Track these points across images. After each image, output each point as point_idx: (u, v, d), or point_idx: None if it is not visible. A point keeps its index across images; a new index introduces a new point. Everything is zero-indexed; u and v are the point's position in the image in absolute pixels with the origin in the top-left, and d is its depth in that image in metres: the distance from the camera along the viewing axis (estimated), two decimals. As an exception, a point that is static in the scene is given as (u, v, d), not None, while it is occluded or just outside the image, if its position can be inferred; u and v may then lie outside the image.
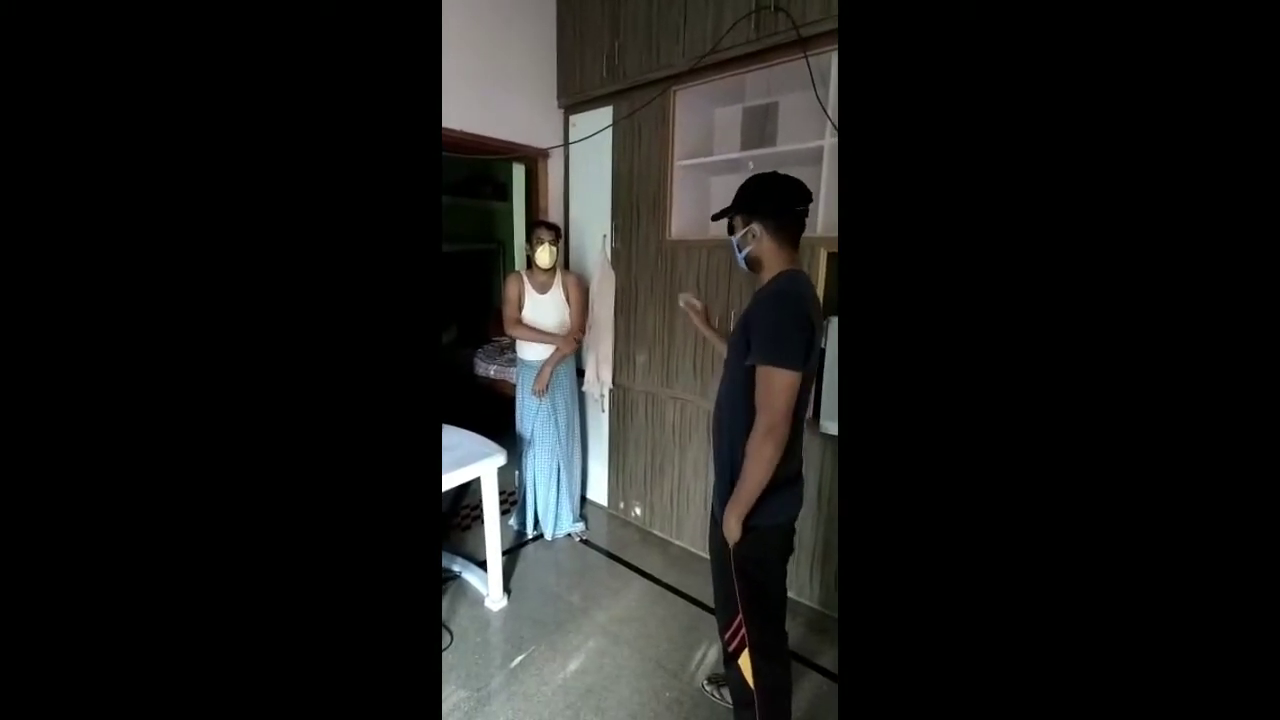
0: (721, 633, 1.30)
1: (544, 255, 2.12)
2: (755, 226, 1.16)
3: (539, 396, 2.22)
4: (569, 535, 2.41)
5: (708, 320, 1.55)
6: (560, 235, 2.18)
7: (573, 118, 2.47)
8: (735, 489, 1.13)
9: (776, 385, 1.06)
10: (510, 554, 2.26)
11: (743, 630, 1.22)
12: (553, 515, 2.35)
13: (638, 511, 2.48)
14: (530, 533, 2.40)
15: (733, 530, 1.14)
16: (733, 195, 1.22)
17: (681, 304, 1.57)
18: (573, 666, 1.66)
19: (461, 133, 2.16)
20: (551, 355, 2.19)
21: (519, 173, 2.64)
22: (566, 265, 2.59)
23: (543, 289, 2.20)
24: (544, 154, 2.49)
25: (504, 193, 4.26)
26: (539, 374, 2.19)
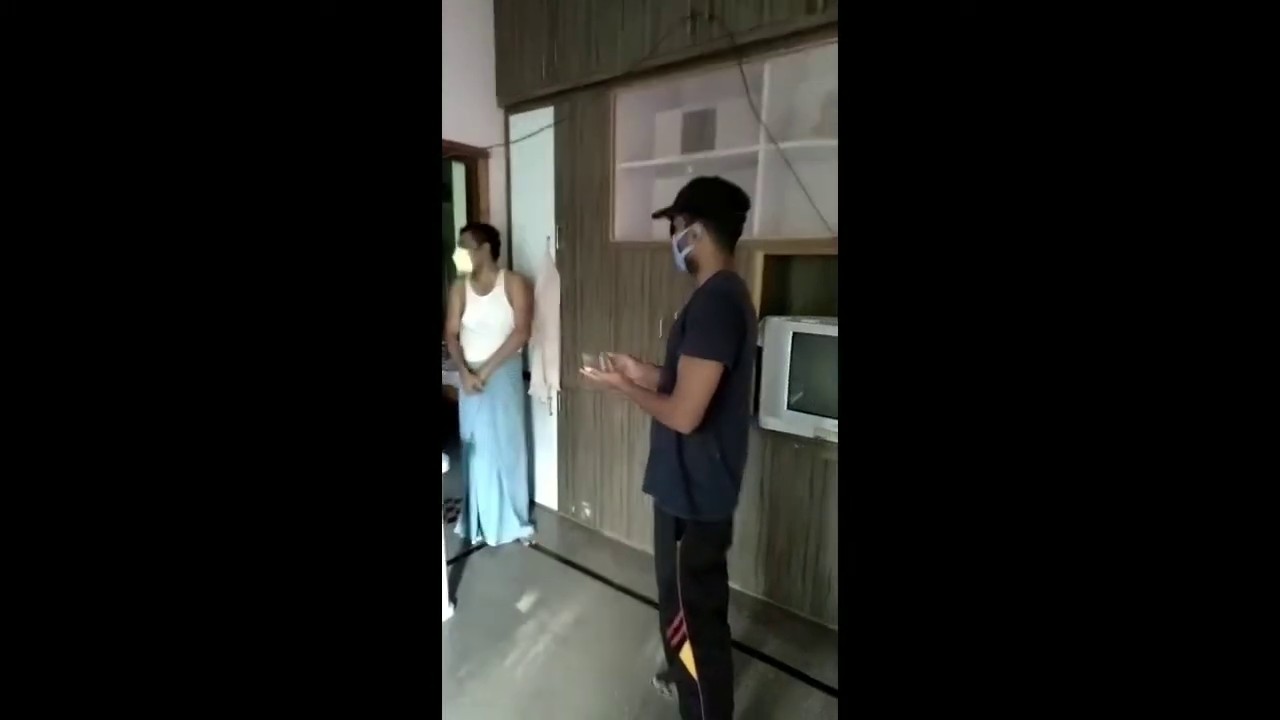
0: (664, 627, 1.32)
1: (461, 259, 2.12)
2: (696, 227, 1.19)
3: (472, 392, 2.18)
4: (517, 541, 2.37)
5: (635, 364, 1.40)
6: (486, 238, 2.15)
7: (513, 118, 2.44)
8: (644, 395, 1.23)
9: (696, 374, 1.10)
10: (456, 563, 2.21)
11: (684, 624, 1.25)
12: (495, 521, 2.31)
13: (588, 513, 2.47)
14: (475, 539, 2.35)
15: (614, 388, 1.25)
16: (674, 198, 1.25)
17: (588, 370, 1.30)
18: (521, 673, 1.64)
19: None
20: (493, 354, 2.16)
21: (459, 172, 2.58)
22: (510, 266, 2.56)
23: (484, 290, 2.17)
24: (484, 154, 2.45)
25: (446, 194, 4.15)
26: (477, 371, 2.16)
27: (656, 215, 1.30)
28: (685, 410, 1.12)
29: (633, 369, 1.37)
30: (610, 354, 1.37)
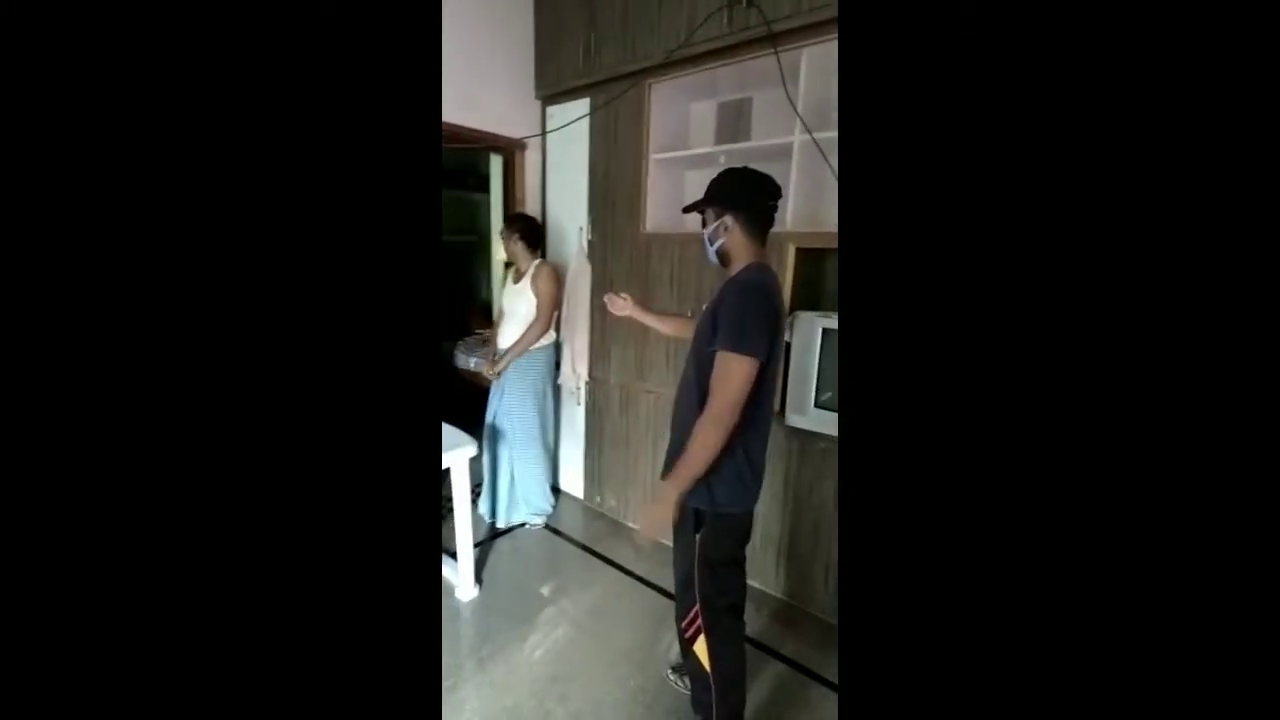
0: (679, 619, 1.32)
1: (499, 249, 2.19)
2: (727, 219, 1.18)
3: (491, 377, 2.29)
4: (523, 525, 2.42)
5: (638, 306, 1.59)
6: (518, 228, 2.19)
7: (550, 109, 2.46)
8: (676, 467, 1.14)
9: (733, 371, 1.08)
10: (483, 545, 2.27)
11: (699, 618, 1.24)
12: (505, 505, 2.39)
13: (612, 503, 2.49)
14: (488, 520, 2.43)
15: (668, 503, 1.15)
16: (704, 190, 1.23)
17: (613, 308, 1.59)
18: (539, 656, 1.67)
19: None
20: (512, 345, 2.21)
21: (496, 164, 2.62)
22: (544, 257, 2.59)
23: (517, 279, 2.22)
24: (520, 145, 2.47)
25: (487, 185, 4.24)
26: (497, 360, 2.25)
27: (687, 210, 1.30)
28: (719, 411, 1.09)
29: (631, 305, 1.57)
30: (608, 296, 1.60)
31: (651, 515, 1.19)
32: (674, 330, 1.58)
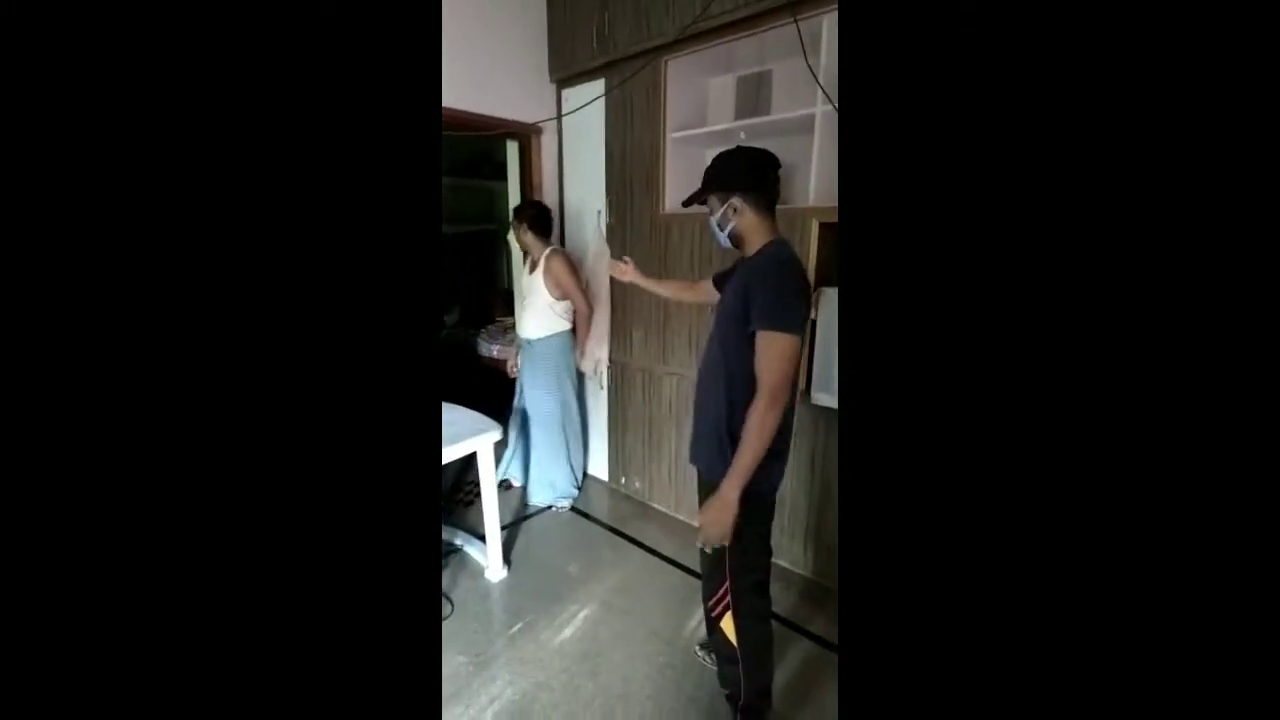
0: (706, 597, 1.32)
1: (512, 239, 2.23)
2: (735, 201, 1.16)
3: (589, 372, 2.42)
4: (550, 508, 2.46)
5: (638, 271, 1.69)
6: (525, 217, 2.20)
7: (565, 92, 2.44)
8: (735, 460, 1.10)
9: (779, 351, 1.07)
10: (511, 528, 2.31)
11: (728, 595, 1.25)
12: (534, 484, 2.44)
13: (637, 485, 2.51)
14: (521, 494, 2.51)
15: (733, 503, 1.10)
16: (701, 179, 1.22)
17: (616, 273, 1.70)
18: (568, 634, 1.70)
19: (451, 109, 2.14)
20: (582, 340, 2.31)
21: (513, 150, 2.62)
22: (563, 243, 2.59)
23: (533, 268, 2.23)
24: (536, 130, 2.46)
25: (504, 172, 4.24)
26: (582, 358, 2.36)
27: (687, 203, 1.27)
28: (773, 393, 1.07)
29: (633, 270, 1.68)
30: (611, 261, 1.73)
31: (715, 517, 1.11)
32: (673, 293, 1.67)
